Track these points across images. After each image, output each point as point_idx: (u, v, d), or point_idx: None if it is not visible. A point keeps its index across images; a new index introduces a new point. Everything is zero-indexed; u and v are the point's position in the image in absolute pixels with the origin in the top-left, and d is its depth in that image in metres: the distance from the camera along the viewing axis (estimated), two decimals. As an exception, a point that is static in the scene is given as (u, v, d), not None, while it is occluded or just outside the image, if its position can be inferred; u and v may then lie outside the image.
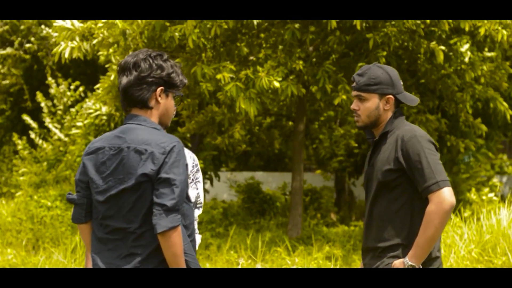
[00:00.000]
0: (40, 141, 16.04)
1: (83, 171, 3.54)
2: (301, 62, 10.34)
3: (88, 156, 3.53)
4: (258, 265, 9.79)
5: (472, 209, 13.16)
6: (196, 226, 4.24)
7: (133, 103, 3.54)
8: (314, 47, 11.35)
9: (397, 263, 3.69)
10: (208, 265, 10.14)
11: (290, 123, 16.46)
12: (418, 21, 10.12)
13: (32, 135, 16.31)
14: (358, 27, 9.84)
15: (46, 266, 9.76)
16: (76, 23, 10.47)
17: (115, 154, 3.46)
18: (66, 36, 10.48)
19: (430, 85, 11.78)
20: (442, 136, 13.14)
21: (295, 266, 9.69)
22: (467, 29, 9.94)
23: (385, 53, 10.36)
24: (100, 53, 11.77)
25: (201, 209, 4.33)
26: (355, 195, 18.52)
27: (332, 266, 9.63)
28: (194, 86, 10.46)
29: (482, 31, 9.98)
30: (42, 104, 16.38)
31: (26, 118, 16.65)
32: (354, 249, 11.28)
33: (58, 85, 16.96)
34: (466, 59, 10.76)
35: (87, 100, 15.71)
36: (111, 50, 10.87)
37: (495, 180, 17.55)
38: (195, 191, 4.27)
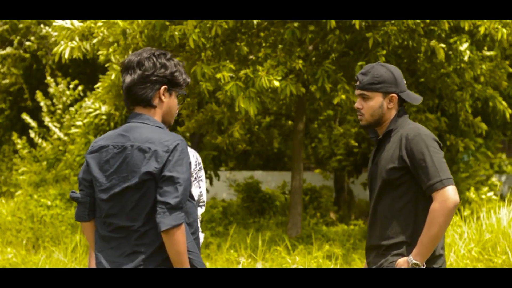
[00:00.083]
0: (40, 141, 16.03)
1: (87, 169, 3.55)
2: (300, 61, 10.34)
3: (92, 154, 3.54)
4: (258, 264, 9.80)
5: (471, 208, 13.17)
6: (199, 224, 4.24)
7: (136, 101, 3.54)
8: (313, 46, 11.35)
9: (401, 261, 3.70)
10: (208, 264, 10.15)
11: (290, 122, 16.47)
12: (418, 20, 10.13)
13: (32, 134, 16.31)
14: (357, 27, 9.85)
15: (47, 265, 9.76)
16: (76, 22, 10.47)
17: (118, 153, 3.46)
18: (65, 36, 10.49)
19: (429, 84, 11.80)
20: (442, 135, 13.16)
21: (295, 265, 9.70)
22: (466, 28, 9.95)
23: (384, 51, 10.37)
24: (99, 52, 11.77)
25: (203, 208, 4.34)
26: (354, 194, 18.53)
27: (332, 265, 9.64)
28: (194, 85, 10.47)
29: (482, 29, 10.00)
30: (42, 103, 16.38)
31: (26, 117, 16.65)
32: (354, 248, 11.29)
33: (57, 84, 16.96)
34: (466, 58, 10.78)
35: (86, 99, 15.71)
36: (111, 50, 10.87)
37: (494, 179, 17.56)
38: (198, 190, 4.28)
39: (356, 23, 9.82)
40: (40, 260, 9.94)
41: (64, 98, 16.42)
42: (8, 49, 18.65)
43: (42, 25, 17.88)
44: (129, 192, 3.42)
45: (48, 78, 16.67)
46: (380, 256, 3.82)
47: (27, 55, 18.72)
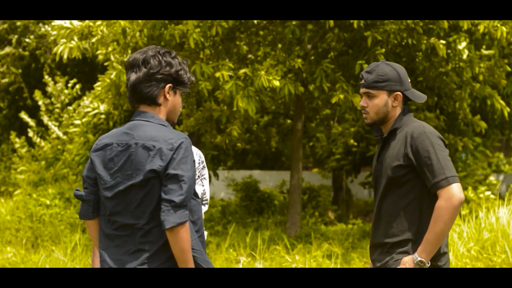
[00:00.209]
0: (38, 140, 16.03)
1: (91, 167, 3.55)
2: (300, 60, 10.35)
3: (96, 152, 3.54)
4: (258, 263, 9.80)
5: (469, 208, 13.19)
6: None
7: (141, 99, 3.55)
8: (312, 45, 11.36)
9: (407, 259, 3.71)
10: (208, 264, 10.11)
11: (289, 121, 16.47)
12: (417, 20, 10.15)
13: (30, 134, 16.31)
14: (355, 26, 9.87)
15: (47, 264, 9.76)
16: (75, 21, 10.46)
17: (123, 151, 3.46)
18: (64, 35, 10.48)
19: (428, 83, 11.81)
20: (441, 134, 13.17)
21: (295, 264, 9.71)
22: (465, 27, 9.97)
23: (383, 50, 10.38)
24: (98, 51, 11.77)
25: (207, 206, 4.34)
26: (353, 193, 18.55)
27: (331, 264, 9.65)
28: (193, 84, 10.47)
29: (481, 28, 10.02)
30: (40, 102, 16.37)
31: (24, 116, 16.65)
32: (353, 247, 11.30)
33: (55, 82, 16.96)
34: (464, 57, 10.79)
35: (84, 98, 15.72)
36: (110, 48, 10.86)
37: (492, 178, 17.59)
38: (201, 188, 4.29)
39: (355, 22, 9.84)
40: (40, 260, 9.93)
41: (63, 97, 16.42)
42: (7, 49, 18.64)
43: (40, 24, 17.87)
44: (134, 190, 3.42)
45: (46, 77, 16.67)
46: (385, 253, 3.83)
47: (26, 53, 18.71)
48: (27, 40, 18.35)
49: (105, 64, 12.11)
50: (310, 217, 14.66)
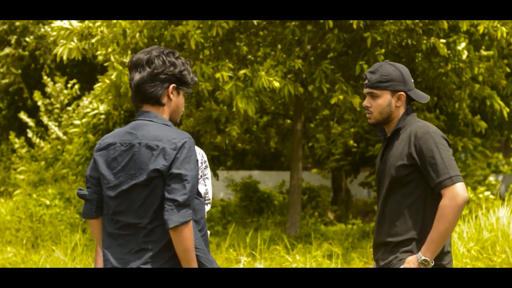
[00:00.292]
0: (38, 140, 16.04)
1: (94, 167, 3.56)
2: (300, 61, 10.36)
3: (99, 152, 3.55)
4: (258, 264, 9.81)
5: (469, 208, 13.21)
6: (204, 221, 4.25)
7: (145, 99, 3.56)
8: (312, 45, 11.37)
9: (410, 258, 3.73)
10: (208, 263, 10.12)
11: (288, 121, 16.49)
12: (416, 20, 10.17)
13: (29, 134, 16.32)
14: (355, 26, 9.88)
15: (47, 264, 9.77)
16: (74, 22, 10.46)
17: (126, 150, 3.47)
18: (64, 36, 10.48)
19: (428, 83, 11.82)
20: (440, 134, 13.16)
21: (295, 264, 9.72)
22: (464, 28, 9.98)
23: (383, 51, 10.40)
24: (98, 52, 11.77)
25: (209, 205, 4.35)
26: (352, 193, 18.57)
27: (332, 264, 9.66)
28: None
29: (481, 28, 10.03)
30: (39, 103, 16.38)
31: (23, 116, 16.65)
32: (353, 247, 11.31)
33: (54, 83, 16.96)
34: (464, 57, 10.81)
35: (84, 98, 15.72)
36: (110, 49, 10.87)
37: (491, 178, 17.61)
38: (204, 187, 4.30)
39: (354, 22, 9.85)
40: (41, 260, 9.94)
41: (62, 97, 16.42)
42: (7, 49, 18.65)
43: (40, 25, 17.88)
44: (137, 189, 3.43)
45: (45, 78, 16.67)
46: (389, 252, 3.84)
47: (26, 53, 18.72)
48: (26, 39, 18.35)
49: (105, 64, 12.11)
50: (309, 217, 14.68)
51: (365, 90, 3.95)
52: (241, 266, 9.52)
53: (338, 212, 16.68)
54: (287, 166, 21.00)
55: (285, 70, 10.19)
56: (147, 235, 3.43)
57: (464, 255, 9.05)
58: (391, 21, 10.26)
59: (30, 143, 17.15)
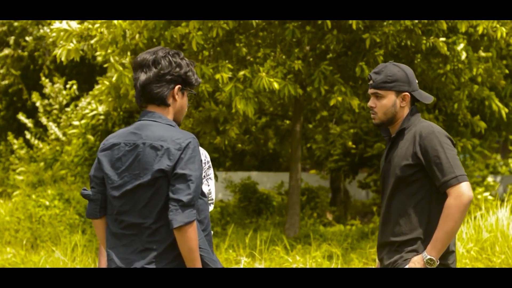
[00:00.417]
0: (36, 141, 16.03)
1: (98, 167, 3.57)
2: (299, 61, 10.37)
3: (103, 152, 3.56)
4: (257, 264, 9.82)
5: (468, 209, 13.23)
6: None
7: (151, 99, 3.56)
8: (310, 46, 11.39)
9: (416, 258, 3.74)
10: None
11: (288, 122, 16.49)
12: (416, 21, 10.18)
13: (28, 136, 16.32)
14: (354, 27, 9.89)
15: (47, 265, 9.77)
16: (74, 24, 10.46)
17: (130, 150, 3.48)
18: (63, 38, 10.48)
19: (427, 84, 11.84)
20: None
21: (295, 264, 9.73)
22: (463, 30, 10.00)
23: (382, 51, 10.41)
24: (97, 53, 11.77)
25: (212, 205, 4.36)
26: (351, 194, 18.58)
27: (332, 265, 9.67)
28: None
29: (480, 29, 10.05)
30: (38, 104, 16.38)
31: (22, 117, 16.64)
32: (352, 248, 11.33)
33: (53, 83, 16.96)
34: (463, 57, 10.83)
35: (82, 99, 15.73)
36: (109, 50, 10.86)
37: (490, 179, 17.63)
38: (207, 188, 4.31)
39: (353, 23, 9.86)
40: (41, 261, 9.94)
41: (61, 98, 16.42)
42: (6, 50, 18.65)
43: (39, 26, 17.88)
44: (141, 189, 3.44)
45: (43, 78, 16.67)
46: (394, 252, 3.86)
47: (25, 54, 18.72)
48: (26, 38, 18.35)
49: (105, 66, 12.12)
50: (308, 218, 14.70)
51: (370, 91, 3.97)
52: (242, 267, 9.53)
53: (337, 213, 16.69)
54: (285, 167, 21.01)
55: (285, 71, 10.20)
56: (151, 235, 3.44)
57: (464, 255, 9.06)
58: (390, 22, 10.28)
59: (28, 144, 17.14)
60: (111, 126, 14.15)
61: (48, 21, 15.47)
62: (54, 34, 10.70)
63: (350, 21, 9.93)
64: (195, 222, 3.37)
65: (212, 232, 4.44)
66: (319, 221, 14.82)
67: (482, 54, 11.95)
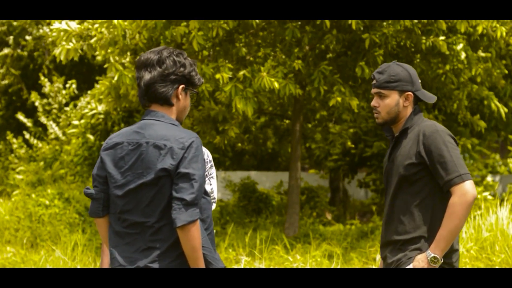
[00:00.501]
0: (35, 141, 16.03)
1: (101, 166, 3.57)
2: (299, 61, 10.38)
3: (106, 151, 3.56)
4: (257, 263, 9.82)
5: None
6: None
7: (155, 99, 3.57)
8: (310, 46, 11.39)
9: (420, 257, 3.75)
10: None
11: (287, 121, 16.50)
12: (415, 21, 10.19)
13: (27, 135, 16.32)
14: (354, 27, 9.90)
15: (47, 264, 9.77)
16: (73, 24, 10.46)
17: (133, 149, 3.49)
18: (63, 38, 10.48)
19: (427, 84, 11.85)
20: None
21: (296, 264, 9.73)
22: (462, 30, 10.02)
23: (382, 51, 10.42)
24: (97, 53, 11.76)
25: (214, 204, 4.37)
26: (350, 194, 18.59)
27: (332, 264, 9.68)
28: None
29: (479, 29, 10.06)
30: (37, 103, 16.38)
31: (20, 117, 16.64)
32: (352, 247, 11.33)
33: (52, 82, 16.97)
34: (462, 57, 10.84)
35: (82, 98, 15.73)
36: (109, 50, 10.86)
37: (489, 179, 17.65)
38: (209, 187, 4.32)
39: (353, 23, 9.87)
40: (41, 260, 9.94)
41: (60, 98, 16.43)
42: (6, 50, 18.65)
43: (39, 26, 17.88)
44: (144, 188, 3.44)
45: (42, 78, 16.67)
46: (397, 250, 3.87)
47: (24, 53, 18.72)
48: (26, 37, 18.35)
49: (105, 66, 12.11)
50: (307, 218, 14.71)
51: (373, 90, 3.98)
52: (242, 266, 9.53)
53: (336, 212, 16.71)
54: (284, 166, 21.02)
55: (285, 71, 10.21)
56: (154, 234, 3.44)
57: (464, 255, 9.07)
58: (389, 22, 10.29)
59: (28, 144, 17.14)
60: (110, 126, 14.15)
61: (48, 21, 15.47)
62: (54, 34, 10.71)
63: (350, 21, 9.94)
64: (198, 221, 3.38)
65: (214, 231, 4.45)
66: (319, 220, 14.84)
67: (482, 54, 11.96)
